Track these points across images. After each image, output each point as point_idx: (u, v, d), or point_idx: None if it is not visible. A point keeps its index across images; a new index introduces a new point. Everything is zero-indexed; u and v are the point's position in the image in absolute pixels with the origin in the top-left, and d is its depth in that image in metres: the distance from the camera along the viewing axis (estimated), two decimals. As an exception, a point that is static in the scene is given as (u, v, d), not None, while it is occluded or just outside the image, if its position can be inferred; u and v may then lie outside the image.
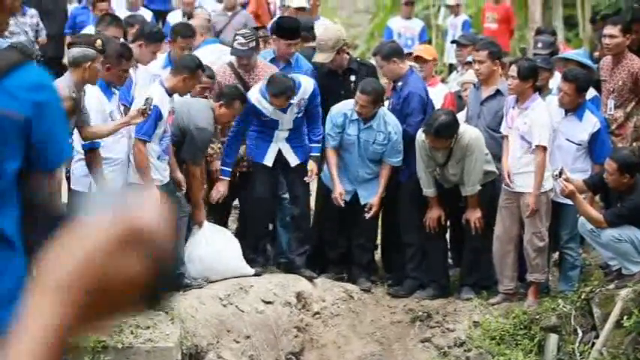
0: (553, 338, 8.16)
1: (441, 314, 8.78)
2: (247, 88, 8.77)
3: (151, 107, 7.43)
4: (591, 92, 9.02)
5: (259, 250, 9.06)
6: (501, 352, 8.15)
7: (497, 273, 8.80)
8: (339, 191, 8.76)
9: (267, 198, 8.80)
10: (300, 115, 8.75)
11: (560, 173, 8.08)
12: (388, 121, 8.77)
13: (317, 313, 8.84)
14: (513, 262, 8.68)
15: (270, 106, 8.53)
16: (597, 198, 8.95)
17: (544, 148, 8.30)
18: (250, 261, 8.79)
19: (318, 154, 8.84)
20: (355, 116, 8.71)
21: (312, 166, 8.76)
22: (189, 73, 7.94)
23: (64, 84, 6.92)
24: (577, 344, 8.00)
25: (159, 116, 7.80)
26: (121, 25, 9.32)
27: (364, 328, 8.92)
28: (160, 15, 14.18)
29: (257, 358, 8.19)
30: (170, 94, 7.94)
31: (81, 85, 7.29)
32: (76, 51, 7.29)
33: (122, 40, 8.82)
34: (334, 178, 8.77)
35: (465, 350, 8.38)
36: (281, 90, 8.39)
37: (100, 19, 9.75)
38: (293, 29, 9.16)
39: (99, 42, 7.31)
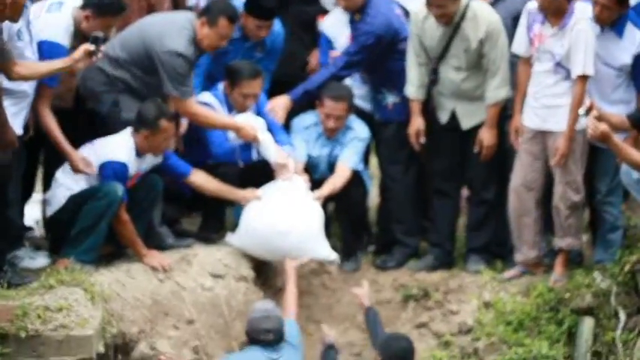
0: (587, 323, 7.30)
1: (442, 292, 8.10)
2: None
3: (101, 48, 6.89)
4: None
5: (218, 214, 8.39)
6: (520, 341, 7.33)
7: (513, 237, 7.93)
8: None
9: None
10: None
11: (589, 110, 7.08)
12: (353, 126, 8.08)
13: (281, 289, 8.10)
14: (535, 222, 7.78)
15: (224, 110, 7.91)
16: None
17: (585, 78, 7.46)
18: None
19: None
20: (317, 133, 8.09)
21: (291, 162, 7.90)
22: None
23: None
24: (619, 331, 7.07)
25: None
26: None
27: (342, 309, 8.37)
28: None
29: (202, 348, 7.43)
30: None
31: None
32: None
33: None
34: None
35: (472, 339, 7.59)
36: (255, 69, 7.72)
37: None
38: (267, 7, 7.97)
39: None
